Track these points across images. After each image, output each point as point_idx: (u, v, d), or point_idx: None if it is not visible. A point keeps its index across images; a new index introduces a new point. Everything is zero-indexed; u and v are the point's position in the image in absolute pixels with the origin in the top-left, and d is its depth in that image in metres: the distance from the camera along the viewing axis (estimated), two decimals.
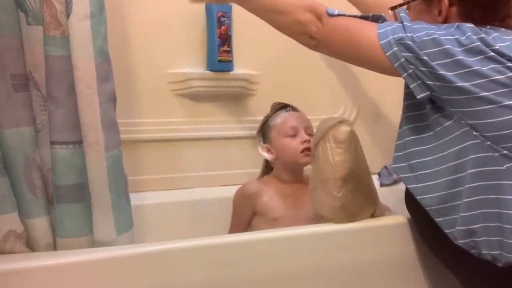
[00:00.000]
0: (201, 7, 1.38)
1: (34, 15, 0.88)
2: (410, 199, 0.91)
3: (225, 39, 1.37)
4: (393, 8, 0.96)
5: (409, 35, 0.81)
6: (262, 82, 1.47)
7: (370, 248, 0.96)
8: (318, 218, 1.02)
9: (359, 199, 0.97)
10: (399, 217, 1.02)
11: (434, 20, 0.88)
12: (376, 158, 1.02)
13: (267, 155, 1.19)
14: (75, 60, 0.84)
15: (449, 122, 0.82)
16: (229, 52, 1.38)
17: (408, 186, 0.88)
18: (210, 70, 1.38)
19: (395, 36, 0.82)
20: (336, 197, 0.95)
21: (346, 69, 1.58)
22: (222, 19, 1.36)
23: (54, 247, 0.92)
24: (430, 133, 0.85)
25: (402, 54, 0.81)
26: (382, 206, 1.06)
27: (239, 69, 1.42)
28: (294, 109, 1.23)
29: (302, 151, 1.15)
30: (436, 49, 0.79)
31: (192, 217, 1.31)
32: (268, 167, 1.27)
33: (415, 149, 0.88)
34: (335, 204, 0.95)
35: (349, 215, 0.96)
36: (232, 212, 1.22)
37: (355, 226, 0.95)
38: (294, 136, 1.16)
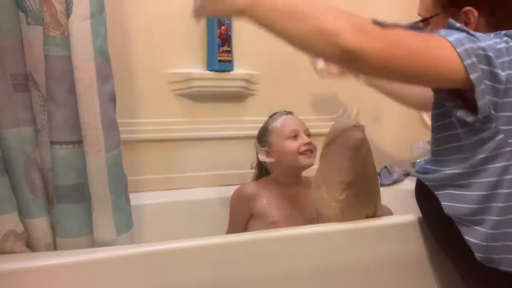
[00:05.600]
0: None
1: (34, 15, 0.88)
2: (421, 195, 0.91)
3: (225, 39, 1.37)
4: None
5: (483, 44, 0.73)
6: (262, 82, 1.47)
7: (371, 248, 0.96)
8: (317, 215, 1.03)
9: (360, 204, 0.97)
10: (400, 217, 1.02)
11: None
12: (376, 158, 1.02)
13: (267, 159, 1.19)
14: (75, 60, 0.84)
15: (492, 141, 0.77)
16: (229, 52, 1.38)
17: (443, 203, 0.84)
18: (210, 70, 1.39)
19: (473, 45, 0.73)
20: (337, 199, 0.95)
21: None
22: (222, 19, 1.36)
23: (54, 247, 0.92)
24: (467, 154, 0.81)
25: (480, 66, 0.73)
26: (383, 210, 1.06)
27: (239, 69, 1.43)
28: (290, 113, 1.23)
29: (303, 153, 1.15)
30: (508, 58, 0.75)
31: (192, 217, 1.31)
32: (263, 172, 1.26)
33: (453, 171, 0.83)
34: (336, 206, 0.95)
35: (347, 217, 0.96)
36: (229, 213, 1.22)
37: (355, 226, 0.95)
38: (295, 138, 1.15)
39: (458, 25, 0.77)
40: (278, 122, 1.18)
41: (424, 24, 0.92)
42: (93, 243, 0.91)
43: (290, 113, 1.23)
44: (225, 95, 1.44)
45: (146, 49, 1.33)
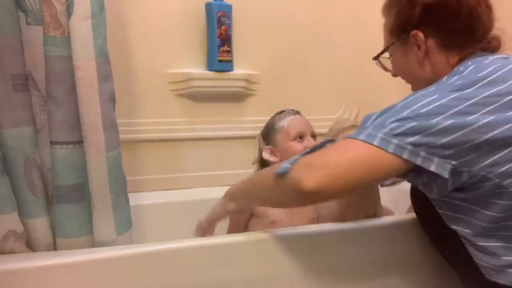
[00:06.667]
0: (201, 7, 1.38)
1: (34, 15, 0.88)
2: (416, 197, 0.91)
3: (225, 39, 1.37)
4: (376, 58, 0.95)
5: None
6: (262, 82, 1.47)
7: (370, 248, 0.96)
8: (317, 215, 1.03)
9: (359, 204, 0.97)
10: (400, 217, 1.02)
11: (416, 57, 0.85)
12: None
13: (270, 158, 1.19)
14: (76, 60, 0.84)
15: (483, 189, 0.72)
16: (229, 52, 1.38)
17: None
18: (210, 70, 1.39)
19: (385, 129, 0.71)
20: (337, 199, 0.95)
21: (346, 69, 1.59)
22: (222, 19, 1.36)
23: (54, 247, 0.92)
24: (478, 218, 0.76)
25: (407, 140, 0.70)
26: (383, 211, 1.05)
27: (239, 69, 1.43)
28: (297, 113, 1.23)
29: None
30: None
31: (192, 217, 1.31)
32: (265, 167, 1.26)
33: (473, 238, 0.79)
34: (335, 206, 0.96)
35: (347, 217, 0.96)
36: None
37: (355, 226, 0.95)
38: (300, 140, 1.15)
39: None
40: (285, 122, 1.18)
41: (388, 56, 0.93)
42: (93, 243, 0.91)
43: (297, 112, 1.22)
44: (225, 95, 1.44)
45: (146, 49, 1.33)
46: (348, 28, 1.57)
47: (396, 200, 1.30)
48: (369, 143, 0.71)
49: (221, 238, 0.90)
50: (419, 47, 0.85)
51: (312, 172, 0.71)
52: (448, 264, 0.93)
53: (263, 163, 1.25)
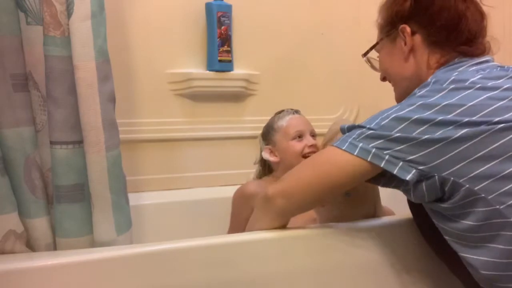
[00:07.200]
0: (201, 7, 1.38)
1: (34, 15, 0.88)
2: (412, 201, 0.91)
3: (225, 39, 1.37)
4: (364, 54, 0.96)
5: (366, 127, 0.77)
6: (262, 82, 1.47)
7: (370, 248, 0.96)
8: (317, 215, 1.03)
9: (359, 204, 0.98)
10: (400, 217, 1.02)
11: (402, 53, 0.86)
12: None
13: (270, 158, 1.19)
14: (76, 60, 0.84)
15: (457, 197, 0.72)
16: (229, 52, 1.38)
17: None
18: (210, 70, 1.39)
19: (354, 135, 0.77)
20: (337, 200, 0.95)
21: (346, 69, 1.59)
22: (222, 19, 1.36)
23: (54, 247, 0.92)
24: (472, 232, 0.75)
25: (370, 145, 0.75)
26: (383, 211, 1.06)
27: (239, 69, 1.43)
28: (297, 112, 1.23)
29: (306, 155, 1.15)
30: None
31: (192, 217, 1.31)
32: (266, 169, 1.26)
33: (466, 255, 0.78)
34: (335, 206, 0.96)
35: (346, 217, 0.96)
36: (231, 212, 1.22)
37: (355, 226, 0.95)
38: (300, 139, 1.15)
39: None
40: (284, 121, 1.18)
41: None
42: (93, 243, 0.91)
43: (297, 112, 1.23)
44: (225, 95, 1.44)
45: (146, 49, 1.33)
46: (348, 28, 1.57)
47: (396, 200, 1.30)
48: (339, 148, 0.77)
49: (221, 238, 0.90)
50: (405, 43, 0.86)
51: (278, 183, 0.84)
52: (448, 268, 0.93)
53: (264, 163, 1.25)
